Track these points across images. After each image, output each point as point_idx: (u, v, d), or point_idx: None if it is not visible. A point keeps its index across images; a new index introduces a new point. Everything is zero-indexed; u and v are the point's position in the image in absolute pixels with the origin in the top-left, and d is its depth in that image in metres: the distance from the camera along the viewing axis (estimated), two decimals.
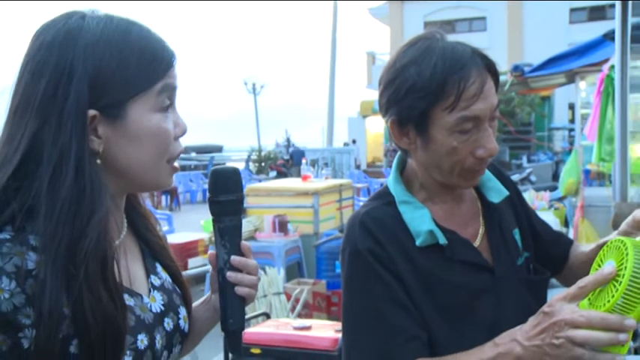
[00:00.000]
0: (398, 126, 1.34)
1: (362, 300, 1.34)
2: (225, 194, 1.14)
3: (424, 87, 1.27)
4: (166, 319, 1.12)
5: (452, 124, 1.27)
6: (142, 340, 1.04)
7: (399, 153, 1.47)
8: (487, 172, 1.44)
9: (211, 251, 1.18)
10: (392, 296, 1.31)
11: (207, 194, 1.15)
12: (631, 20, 3.02)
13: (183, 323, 1.17)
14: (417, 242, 1.34)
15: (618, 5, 2.83)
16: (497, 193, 1.45)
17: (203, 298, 1.29)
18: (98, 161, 1.00)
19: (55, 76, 0.97)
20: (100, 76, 0.98)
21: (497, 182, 1.47)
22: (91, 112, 0.98)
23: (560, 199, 8.02)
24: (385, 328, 1.30)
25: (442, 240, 1.34)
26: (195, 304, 1.28)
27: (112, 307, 0.96)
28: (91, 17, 1.02)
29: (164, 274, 1.19)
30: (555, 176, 14.14)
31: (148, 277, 1.15)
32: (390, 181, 1.44)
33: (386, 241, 1.34)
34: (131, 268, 1.10)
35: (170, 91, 1.06)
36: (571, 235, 6.75)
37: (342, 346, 1.40)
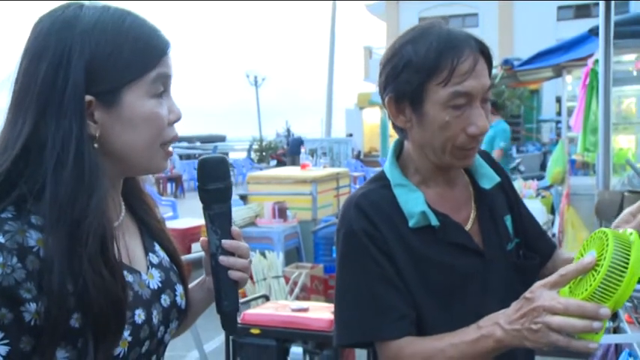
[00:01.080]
0: (395, 103, 1.34)
1: (355, 279, 1.35)
2: (214, 182, 1.13)
3: (420, 62, 1.28)
4: (163, 296, 1.13)
5: (445, 98, 1.27)
6: (140, 315, 1.05)
7: (396, 139, 1.47)
8: (480, 159, 1.45)
9: (203, 238, 1.18)
10: (384, 276, 1.32)
11: (197, 183, 1.15)
12: (614, 18, 3.02)
13: (180, 300, 1.18)
14: (410, 223, 1.34)
15: (602, 3, 2.84)
16: (489, 179, 1.45)
17: (198, 280, 1.30)
18: (95, 145, 1.00)
19: (53, 61, 0.97)
20: (95, 62, 0.98)
21: (489, 169, 1.47)
22: (88, 98, 0.98)
23: (547, 188, 8.03)
24: (376, 306, 1.31)
25: (434, 221, 1.34)
26: (190, 285, 1.29)
27: (114, 283, 0.97)
28: (88, 7, 1.02)
29: (162, 253, 1.20)
30: (543, 166, 14.14)
31: (146, 255, 1.16)
32: (387, 165, 1.45)
33: (380, 223, 1.34)
34: (130, 247, 1.10)
35: (164, 78, 1.05)
36: (557, 222, 6.77)
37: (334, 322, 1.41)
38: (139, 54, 1.01)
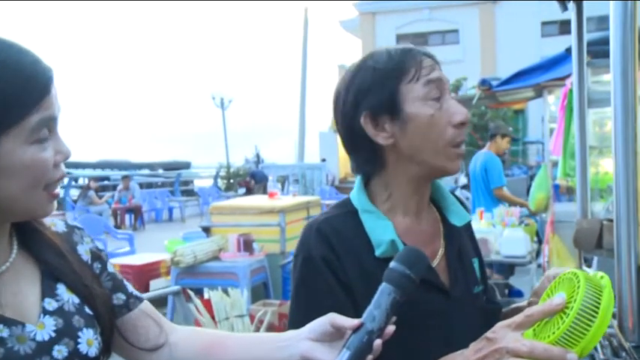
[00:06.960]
0: (372, 120, 1.37)
1: (307, 307, 1.34)
2: (413, 271, 1.16)
3: (386, 67, 1.36)
4: (57, 347, 1.10)
5: (421, 91, 1.35)
6: None
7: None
8: (452, 196, 1.49)
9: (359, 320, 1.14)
10: (338, 307, 1.30)
11: (396, 263, 1.16)
12: (594, 35, 3.06)
13: (87, 347, 1.15)
14: (377, 252, 1.35)
15: (574, 20, 2.88)
16: (460, 217, 1.48)
17: (285, 334, 1.24)
18: None
19: None
20: None
21: (461, 207, 1.50)
22: None
23: (531, 215, 8.09)
24: None
25: None
26: (266, 334, 1.26)
27: None
28: None
29: (67, 295, 1.17)
30: (530, 190, 14.33)
31: (42, 300, 1.13)
32: (354, 192, 1.46)
33: (342, 251, 1.34)
34: (18, 295, 1.09)
35: (48, 122, 1.05)
36: (542, 251, 6.81)
37: None
38: (13, 100, 1.00)
